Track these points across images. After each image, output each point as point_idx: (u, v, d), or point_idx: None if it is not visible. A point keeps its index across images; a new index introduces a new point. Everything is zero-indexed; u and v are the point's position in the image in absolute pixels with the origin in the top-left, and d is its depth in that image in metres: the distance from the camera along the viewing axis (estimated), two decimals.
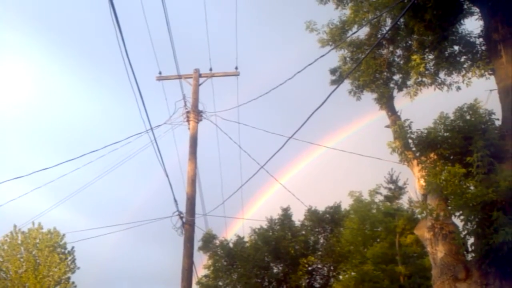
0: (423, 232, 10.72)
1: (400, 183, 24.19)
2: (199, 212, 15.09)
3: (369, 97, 13.35)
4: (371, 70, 11.78)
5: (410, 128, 10.61)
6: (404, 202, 23.89)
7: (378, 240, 22.88)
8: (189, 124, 15.57)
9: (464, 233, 9.53)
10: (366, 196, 24.71)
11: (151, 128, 11.42)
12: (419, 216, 21.13)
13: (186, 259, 13.83)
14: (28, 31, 70.23)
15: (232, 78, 16.37)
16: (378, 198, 24.86)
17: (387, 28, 12.06)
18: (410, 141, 10.70)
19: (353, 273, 22.20)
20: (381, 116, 13.64)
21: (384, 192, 24.45)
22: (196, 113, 15.57)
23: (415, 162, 11.27)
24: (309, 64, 10.67)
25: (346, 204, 25.72)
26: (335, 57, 13.38)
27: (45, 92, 69.46)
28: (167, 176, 12.98)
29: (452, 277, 9.70)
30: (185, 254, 13.92)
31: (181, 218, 14.17)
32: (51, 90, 68.67)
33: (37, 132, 68.28)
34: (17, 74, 67.56)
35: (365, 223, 22.77)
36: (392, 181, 24.22)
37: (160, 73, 16.27)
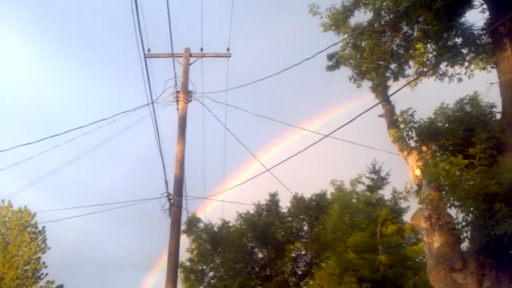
0: (419, 222, 10.71)
1: (382, 174, 24.39)
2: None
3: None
4: (375, 57, 11.62)
5: (412, 117, 10.51)
6: (386, 192, 24.11)
7: (356, 230, 23.03)
8: (178, 104, 15.19)
9: (463, 224, 9.59)
10: (347, 185, 24.87)
11: (152, 102, 11.09)
12: (403, 206, 21.50)
13: (173, 241, 13.54)
14: None
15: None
16: (360, 187, 25.04)
17: (389, 14, 11.91)
18: (412, 131, 10.58)
19: (329, 262, 22.35)
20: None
21: (366, 182, 24.60)
22: (186, 93, 15.18)
23: (412, 151, 11.22)
24: (307, 59, 10.66)
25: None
26: (330, 43, 13.22)
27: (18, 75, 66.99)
28: (161, 155, 12.72)
29: (448, 267, 9.74)
30: (172, 236, 13.64)
31: (169, 200, 13.87)
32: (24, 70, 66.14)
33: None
34: None
35: (345, 212, 22.88)
36: (375, 171, 24.37)
37: (149, 50, 15.69)
